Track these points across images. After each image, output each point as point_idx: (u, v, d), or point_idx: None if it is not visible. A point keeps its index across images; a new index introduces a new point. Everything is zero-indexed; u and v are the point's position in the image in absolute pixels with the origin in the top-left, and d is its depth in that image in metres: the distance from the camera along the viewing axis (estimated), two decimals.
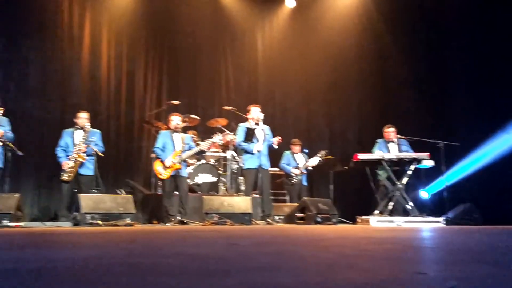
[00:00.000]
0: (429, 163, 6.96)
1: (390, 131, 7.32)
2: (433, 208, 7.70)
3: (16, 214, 5.45)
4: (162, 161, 6.59)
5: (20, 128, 7.46)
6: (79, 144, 6.27)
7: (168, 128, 6.92)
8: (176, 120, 6.79)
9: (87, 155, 6.35)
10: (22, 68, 8.11)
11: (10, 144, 5.87)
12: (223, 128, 8.08)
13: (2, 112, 5.81)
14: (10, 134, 5.92)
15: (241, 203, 6.48)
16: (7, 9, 8.00)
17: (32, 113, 8.01)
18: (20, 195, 5.69)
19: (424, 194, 8.20)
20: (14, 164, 6.19)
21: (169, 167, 6.51)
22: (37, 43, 8.27)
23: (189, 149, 6.73)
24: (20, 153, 5.91)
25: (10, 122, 6.07)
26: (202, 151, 6.94)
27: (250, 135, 6.73)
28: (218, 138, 6.83)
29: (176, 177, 6.56)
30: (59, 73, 8.45)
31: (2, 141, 5.77)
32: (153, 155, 7.68)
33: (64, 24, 8.59)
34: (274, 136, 7.02)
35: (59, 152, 6.39)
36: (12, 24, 8.04)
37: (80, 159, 6.21)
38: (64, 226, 5.90)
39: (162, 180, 6.67)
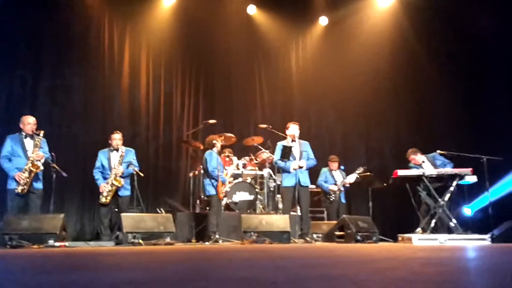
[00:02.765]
0: (472, 179, 6.73)
1: (412, 159, 7.21)
2: (477, 225, 7.45)
3: (61, 234, 5.56)
4: (224, 182, 6.90)
5: (64, 150, 7.73)
6: (116, 167, 6.38)
7: (211, 148, 7.05)
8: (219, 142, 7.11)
9: (124, 177, 6.47)
10: (65, 93, 8.41)
11: (55, 166, 6.04)
12: (259, 146, 8.12)
13: (42, 134, 5.96)
14: (48, 155, 6.05)
15: (280, 221, 6.44)
16: (51, 39, 8.36)
17: (76, 136, 8.27)
18: (64, 215, 5.82)
19: (468, 210, 7.95)
20: (58, 185, 6.37)
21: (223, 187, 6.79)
22: (80, 70, 8.57)
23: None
24: (64, 174, 6.07)
25: (48, 143, 6.20)
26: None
27: (286, 153, 6.72)
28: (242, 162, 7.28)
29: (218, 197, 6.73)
30: (100, 97, 8.72)
31: (49, 163, 5.94)
32: (191, 174, 7.86)
33: (105, 50, 8.89)
34: (313, 151, 7.04)
35: (96, 174, 6.56)
36: (56, 53, 8.38)
37: (117, 184, 6.33)
38: (107, 245, 6.01)
39: (210, 198, 6.79)
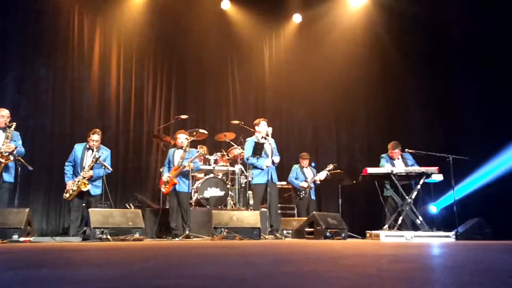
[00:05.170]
0: (438, 177, 6.90)
1: (395, 152, 7.29)
2: (442, 222, 7.65)
3: (26, 229, 5.43)
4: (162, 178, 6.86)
5: (30, 143, 7.55)
6: (86, 171, 6.24)
7: (174, 145, 7.02)
8: (181, 138, 6.90)
9: (95, 179, 6.35)
10: (33, 84, 8.21)
11: (21, 159, 5.90)
12: (231, 142, 8.11)
13: (13, 127, 5.84)
14: (21, 149, 5.95)
15: (250, 217, 6.46)
16: (20, 27, 8.13)
17: (43, 128, 8.08)
18: (29, 210, 5.67)
19: (433, 208, 8.16)
20: (24, 178, 6.21)
21: (167, 182, 6.69)
22: (48, 60, 8.39)
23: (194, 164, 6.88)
24: (30, 168, 5.93)
25: (20, 136, 6.09)
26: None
27: (259, 149, 6.72)
28: (201, 151, 7.16)
29: (177, 193, 6.70)
30: (69, 89, 8.55)
31: (14, 156, 5.80)
32: (161, 169, 7.81)
33: (74, 41, 8.72)
34: (278, 149, 7.06)
35: (66, 167, 6.41)
36: (25, 42, 8.16)
37: (82, 187, 6.19)
38: (74, 241, 5.90)
39: (167, 195, 6.82)
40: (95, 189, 6.39)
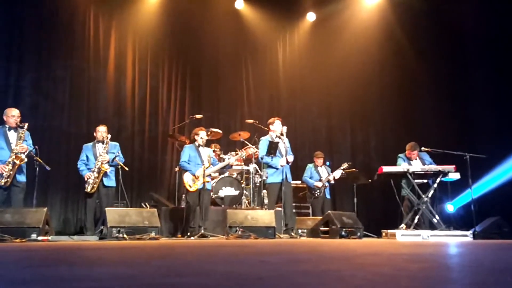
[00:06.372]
0: (455, 176, 6.82)
1: (413, 154, 7.21)
2: (460, 221, 7.55)
3: (44, 228, 5.51)
4: (193, 174, 6.65)
5: (47, 143, 7.66)
6: (103, 155, 6.30)
7: (192, 142, 6.99)
8: (203, 135, 6.87)
9: (110, 165, 6.40)
10: (50, 85, 8.32)
11: (39, 159, 5.97)
12: (245, 142, 8.12)
13: (26, 127, 5.87)
14: (32, 148, 5.99)
15: (265, 216, 6.45)
16: (37, 29, 8.26)
17: (60, 128, 8.18)
18: (47, 209, 5.75)
19: (450, 207, 8.06)
20: (42, 178, 6.28)
21: (198, 180, 6.58)
22: (65, 61, 8.48)
23: (213, 163, 6.81)
24: (48, 168, 6.00)
25: (32, 136, 6.10)
26: (229, 166, 7.22)
27: (273, 148, 6.72)
28: (243, 154, 7.13)
29: (200, 191, 6.62)
30: (85, 90, 8.65)
31: (33, 156, 5.87)
32: (176, 169, 7.81)
33: (90, 42, 8.80)
34: (293, 148, 7.06)
35: (81, 166, 6.46)
36: (42, 43, 8.29)
37: (103, 169, 6.25)
38: (90, 239, 5.96)
39: (187, 193, 6.71)
40: (109, 181, 6.43)
